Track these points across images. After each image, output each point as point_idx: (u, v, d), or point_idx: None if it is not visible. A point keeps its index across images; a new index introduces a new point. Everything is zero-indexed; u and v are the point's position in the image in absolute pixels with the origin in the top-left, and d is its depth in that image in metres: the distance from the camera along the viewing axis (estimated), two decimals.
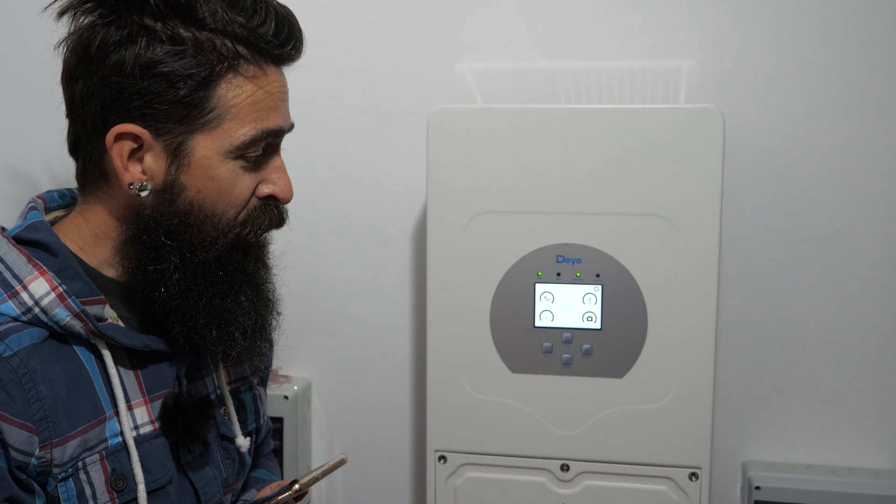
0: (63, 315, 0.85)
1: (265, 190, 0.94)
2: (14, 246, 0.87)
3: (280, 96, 0.92)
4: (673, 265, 1.24)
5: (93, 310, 0.88)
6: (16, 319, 0.84)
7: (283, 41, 0.91)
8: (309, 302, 1.54)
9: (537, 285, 1.28)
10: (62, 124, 0.94)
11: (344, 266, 1.54)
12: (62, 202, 1.01)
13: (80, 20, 0.88)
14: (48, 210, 0.98)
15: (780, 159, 1.38)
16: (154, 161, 0.88)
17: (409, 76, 1.47)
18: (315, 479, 0.96)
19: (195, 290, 0.91)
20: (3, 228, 0.91)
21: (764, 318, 1.42)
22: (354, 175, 1.51)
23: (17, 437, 0.81)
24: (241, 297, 0.94)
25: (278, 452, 1.48)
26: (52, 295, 0.85)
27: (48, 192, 1.00)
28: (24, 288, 0.85)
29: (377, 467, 1.58)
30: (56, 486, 0.84)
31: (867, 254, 1.38)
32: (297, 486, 0.96)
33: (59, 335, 0.87)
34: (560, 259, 1.27)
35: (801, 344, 1.42)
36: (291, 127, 0.96)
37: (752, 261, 1.41)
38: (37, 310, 0.85)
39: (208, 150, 0.88)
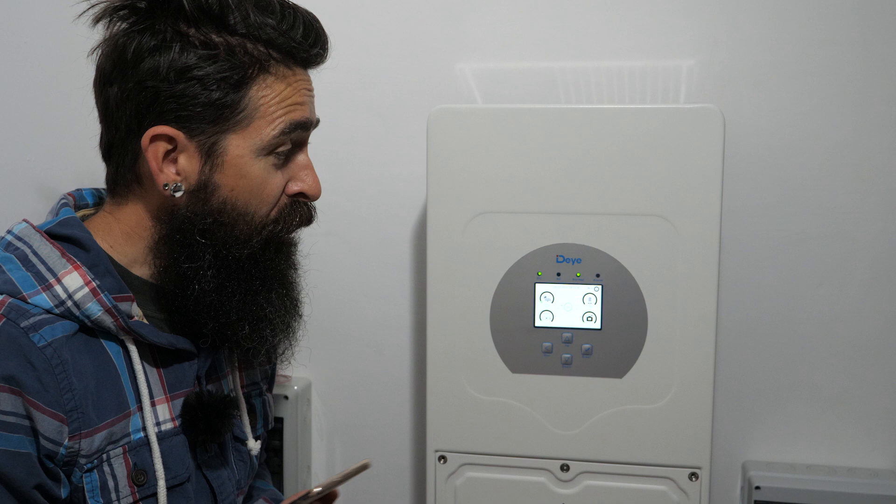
0: (95, 310, 0.87)
1: (294, 187, 0.96)
2: (47, 240, 0.89)
3: (307, 93, 0.96)
4: (673, 265, 1.24)
5: (123, 306, 0.89)
6: (48, 312, 0.86)
7: (312, 44, 0.94)
8: (309, 302, 1.53)
9: (537, 285, 1.28)
10: (92, 129, 0.96)
11: (344, 266, 1.54)
12: (91, 201, 1.03)
13: (115, 27, 0.91)
14: (77, 208, 1.00)
15: (780, 159, 1.38)
16: (188, 162, 0.90)
17: (409, 76, 1.47)
18: (334, 483, 0.97)
19: (229, 286, 0.93)
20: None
21: (764, 318, 1.42)
22: (354, 175, 1.51)
23: (48, 426, 0.82)
24: (272, 294, 0.96)
25: (278, 452, 1.48)
26: (86, 289, 0.87)
27: (78, 190, 1.02)
28: (58, 281, 0.87)
29: (377, 467, 1.57)
30: (81, 477, 0.86)
31: (867, 254, 1.38)
32: (319, 489, 0.97)
33: (88, 329, 0.89)
34: (560, 259, 1.27)
35: (801, 344, 1.42)
36: (317, 122, 1.00)
37: (752, 261, 1.41)
38: (69, 303, 0.86)
39: (241, 149, 0.90)
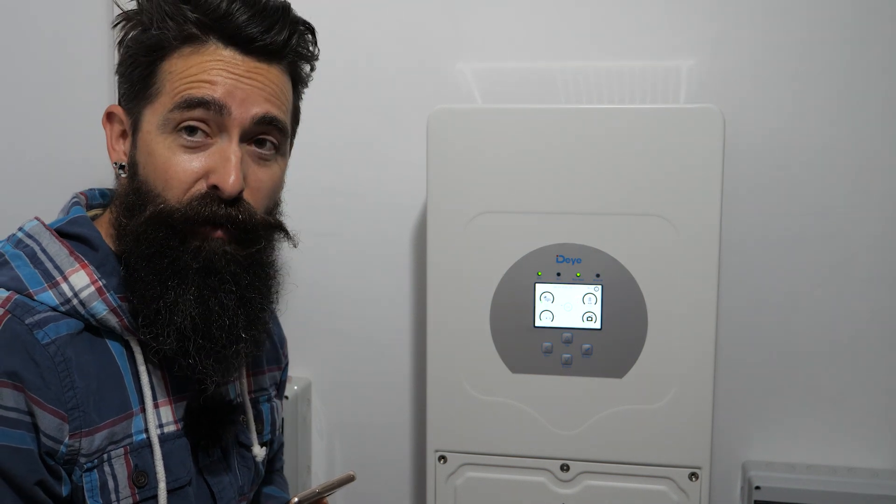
0: (100, 309, 0.87)
1: (210, 178, 0.88)
2: (56, 238, 0.89)
3: (227, 75, 0.88)
4: (673, 265, 1.24)
5: (128, 306, 0.89)
6: (54, 309, 0.86)
7: (244, 21, 0.87)
8: (309, 302, 1.54)
9: (537, 285, 1.28)
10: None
11: (344, 266, 1.54)
12: (102, 201, 1.02)
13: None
14: (89, 207, 1.00)
15: (780, 159, 1.38)
16: (128, 141, 0.92)
17: (409, 76, 1.47)
18: (313, 493, 0.96)
19: (136, 270, 0.89)
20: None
21: (764, 318, 1.42)
22: (354, 175, 1.51)
23: (49, 423, 0.82)
24: (182, 294, 0.88)
25: None
26: (92, 288, 0.87)
27: (90, 189, 1.02)
28: (65, 279, 0.87)
29: (377, 467, 1.57)
30: (81, 476, 0.85)
31: (867, 254, 1.38)
32: (296, 500, 0.95)
33: (93, 328, 0.88)
34: (560, 259, 1.27)
35: (801, 344, 1.42)
36: (257, 118, 0.89)
37: (752, 261, 1.41)
38: (75, 301, 0.86)
39: (149, 125, 0.89)
